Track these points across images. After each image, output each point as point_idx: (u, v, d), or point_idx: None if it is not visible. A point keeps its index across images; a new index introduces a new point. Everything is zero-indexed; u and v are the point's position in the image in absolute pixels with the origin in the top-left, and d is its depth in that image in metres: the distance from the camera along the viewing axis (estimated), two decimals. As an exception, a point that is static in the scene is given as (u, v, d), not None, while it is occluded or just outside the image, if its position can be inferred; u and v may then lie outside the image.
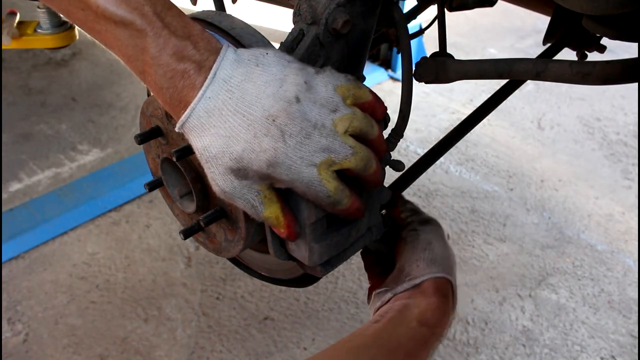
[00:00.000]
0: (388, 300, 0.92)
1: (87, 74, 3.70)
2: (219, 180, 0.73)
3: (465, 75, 1.03)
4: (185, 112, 0.70)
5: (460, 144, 1.90)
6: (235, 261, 1.14)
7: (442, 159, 1.48)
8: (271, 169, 0.71)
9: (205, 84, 0.69)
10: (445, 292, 0.91)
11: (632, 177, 3.03)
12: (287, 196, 0.80)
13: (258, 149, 0.70)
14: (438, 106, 3.56)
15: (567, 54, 1.15)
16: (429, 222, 0.98)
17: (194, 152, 0.87)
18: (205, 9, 0.97)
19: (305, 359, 0.80)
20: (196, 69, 0.70)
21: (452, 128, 1.29)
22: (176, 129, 0.72)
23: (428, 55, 1.08)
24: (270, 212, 0.77)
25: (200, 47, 0.71)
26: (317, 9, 0.88)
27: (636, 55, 0.86)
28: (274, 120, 0.70)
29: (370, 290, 1.01)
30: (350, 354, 0.80)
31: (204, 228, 0.91)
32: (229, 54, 0.71)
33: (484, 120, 1.35)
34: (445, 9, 1.25)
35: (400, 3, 1.49)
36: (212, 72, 0.70)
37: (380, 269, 1.03)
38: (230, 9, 1.29)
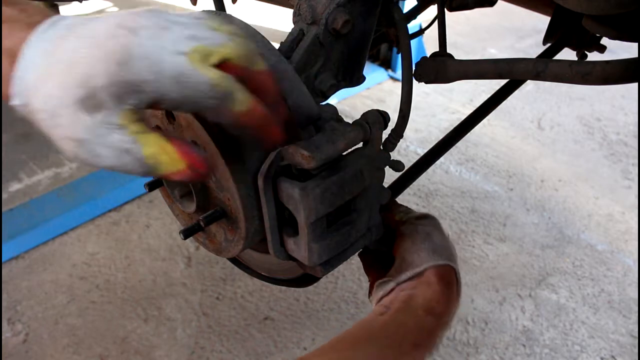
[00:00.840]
0: (391, 290, 0.92)
1: (87, 74, 3.70)
2: (70, 131, 0.58)
3: (465, 75, 1.03)
4: (17, 61, 0.58)
5: (460, 144, 1.90)
6: (235, 261, 1.14)
7: (442, 159, 1.48)
8: (124, 68, 0.55)
9: (40, 26, 0.59)
10: (449, 279, 0.90)
11: (632, 177, 3.03)
12: (287, 200, 0.81)
13: (103, 55, 0.56)
14: (438, 106, 3.56)
15: (567, 54, 1.15)
16: (426, 217, 0.98)
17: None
18: (205, 9, 0.97)
19: (311, 352, 0.79)
20: (25, 26, 0.59)
21: (452, 128, 1.29)
22: (13, 102, 0.61)
23: (428, 55, 1.08)
24: (151, 145, 0.59)
25: (30, 12, 0.61)
26: (317, 9, 0.88)
27: (636, 55, 0.86)
28: (120, 25, 0.57)
29: (372, 284, 1.00)
30: (357, 346, 0.79)
31: (204, 228, 0.91)
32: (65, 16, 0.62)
33: (484, 120, 1.35)
34: (445, 9, 1.25)
35: (400, 3, 1.49)
36: (48, 20, 0.60)
37: (380, 266, 1.03)
38: (230, 9, 1.29)
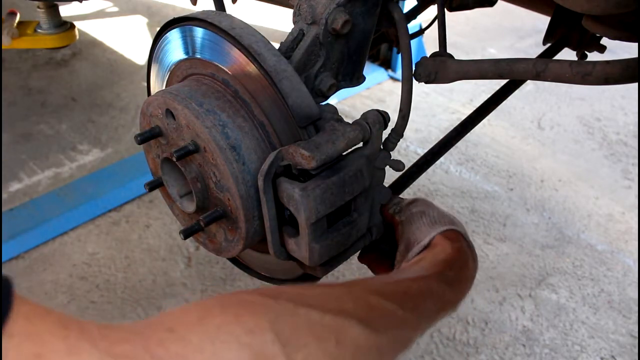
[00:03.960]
0: None
1: (87, 74, 3.70)
2: None
3: (465, 75, 1.03)
4: None
5: (460, 144, 1.90)
6: (235, 261, 1.14)
7: (442, 159, 1.48)
8: None
9: None
10: (456, 239, 0.91)
11: (632, 177, 3.03)
12: (287, 200, 0.80)
13: None
14: (438, 106, 3.56)
15: (567, 54, 1.15)
16: (416, 200, 1.00)
17: (193, 152, 0.88)
18: (205, 9, 0.97)
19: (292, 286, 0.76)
20: None
21: (452, 128, 1.29)
22: None
23: (428, 55, 1.08)
24: None
25: None
26: (317, 9, 0.88)
27: (636, 55, 0.86)
28: None
29: None
30: (353, 285, 0.75)
31: (204, 228, 0.91)
32: None
33: (484, 120, 1.35)
34: (445, 9, 1.25)
35: (400, 3, 1.49)
36: None
37: (389, 263, 1.03)
38: (230, 9, 1.29)
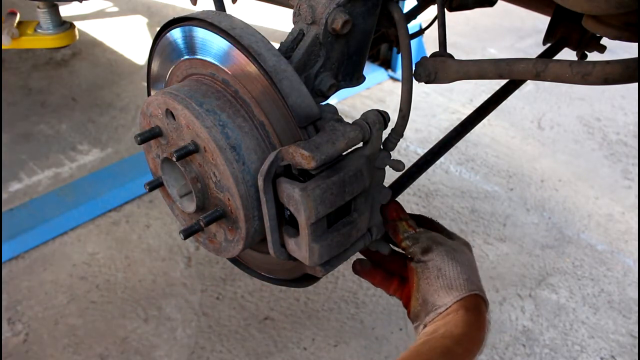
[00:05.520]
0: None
1: (87, 74, 3.70)
2: None
3: (466, 75, 1.03)
4: None
5: (460, 144, 1.90)
6: (235, 261, 1.14)
7: (442, 159, 1.48)
8: None
9: None
10: (471, 306, 0.92)
11: (632, 177, 3.03)
12: (287, 200, 0.80)
13: None
14: (438, 106, 3.56)
15: (567, 54, 1.15)
16: (430, 250, 0.97)
17: (193, 152, 0.88)
18: (205, 9, 0.97)
19: None
20: None
21: (452, 128, 1.29)
22: None
23: (428, 55, 1.08)
24: None
25: None
26: (317, 9, 0.88)
27: (636, 55, 0.85)
28: None
29: (405, 305, 1.02)
30: None
31: (204, 228, 0.91)
32: None
33: (484, 120, 1.34)
34: (445, 9, 1.25)
35: (400, 3, 1.49)
36: None
37: (396, 281, 1.04)
38: (230, 9, 1.29)
